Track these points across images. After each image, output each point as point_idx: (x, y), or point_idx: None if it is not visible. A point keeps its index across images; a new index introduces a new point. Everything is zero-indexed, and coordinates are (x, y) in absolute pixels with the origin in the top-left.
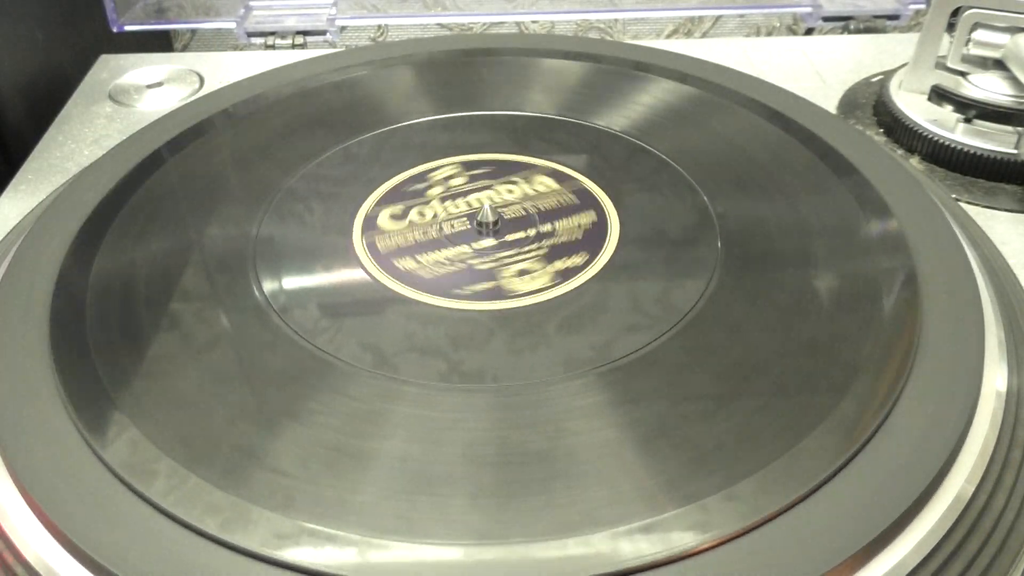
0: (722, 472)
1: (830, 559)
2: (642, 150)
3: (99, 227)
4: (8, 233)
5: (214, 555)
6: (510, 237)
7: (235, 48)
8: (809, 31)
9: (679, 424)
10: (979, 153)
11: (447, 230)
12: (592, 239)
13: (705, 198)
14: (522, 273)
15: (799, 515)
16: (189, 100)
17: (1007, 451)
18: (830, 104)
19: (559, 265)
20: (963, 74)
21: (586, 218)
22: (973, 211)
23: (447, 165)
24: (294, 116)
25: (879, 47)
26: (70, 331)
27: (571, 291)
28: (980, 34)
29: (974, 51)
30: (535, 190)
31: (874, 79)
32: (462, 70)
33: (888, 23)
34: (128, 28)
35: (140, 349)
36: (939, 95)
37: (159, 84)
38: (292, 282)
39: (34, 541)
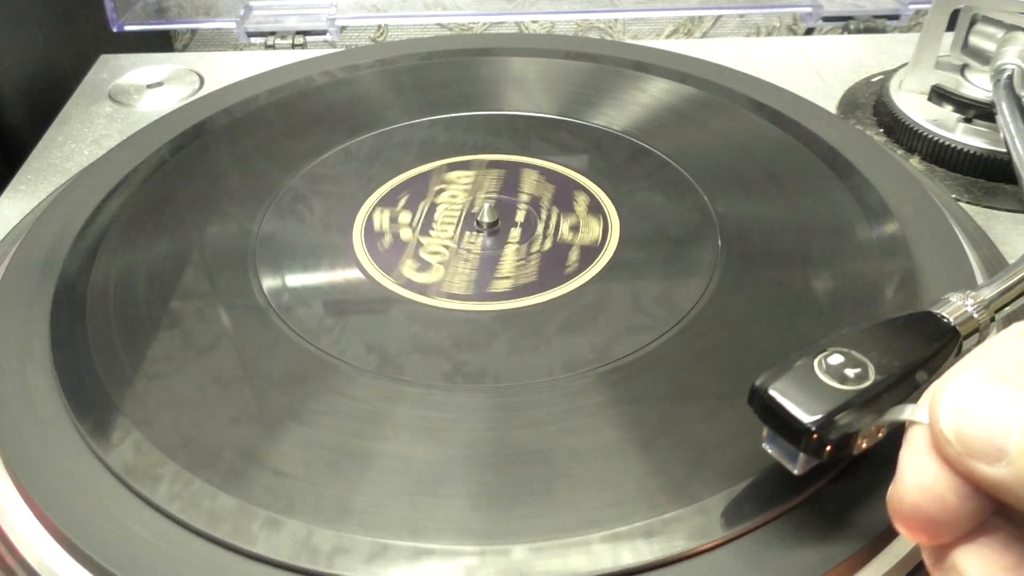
0: (723, 472)
1: (831, 559)
2: (642, 150)
3: (99, 227)
4: (8, 233)
5: (215, 557)
6: (510, 236)
7: (235, 48)
8: (809, 31)
9: (680, 424)
10: (979, 153)
11: (447, 229)
12: (593, 239)
13: (706, 198)
14: (522, 272)
15: (799, 515)
16: (189, 100)
17: None
18: (830, 104)
19: (561, 264)
20: (963, 70)
21: (587, 218)
22: (973, 211)
23: (451, 164)
24: (294, 116)
25: (879, 47)
26: (70, 332)
27: (572, 291)
28: (980, 28)
29: (972, 40)
30: (538, 191)
31: (874, 79)
32: (462, 70)
33: (888, 23)
34: (128, 28)
35: (141, 350)
36: (939, 95)
37: (159, 84)
38: (293, 282)
39: (34, 542)
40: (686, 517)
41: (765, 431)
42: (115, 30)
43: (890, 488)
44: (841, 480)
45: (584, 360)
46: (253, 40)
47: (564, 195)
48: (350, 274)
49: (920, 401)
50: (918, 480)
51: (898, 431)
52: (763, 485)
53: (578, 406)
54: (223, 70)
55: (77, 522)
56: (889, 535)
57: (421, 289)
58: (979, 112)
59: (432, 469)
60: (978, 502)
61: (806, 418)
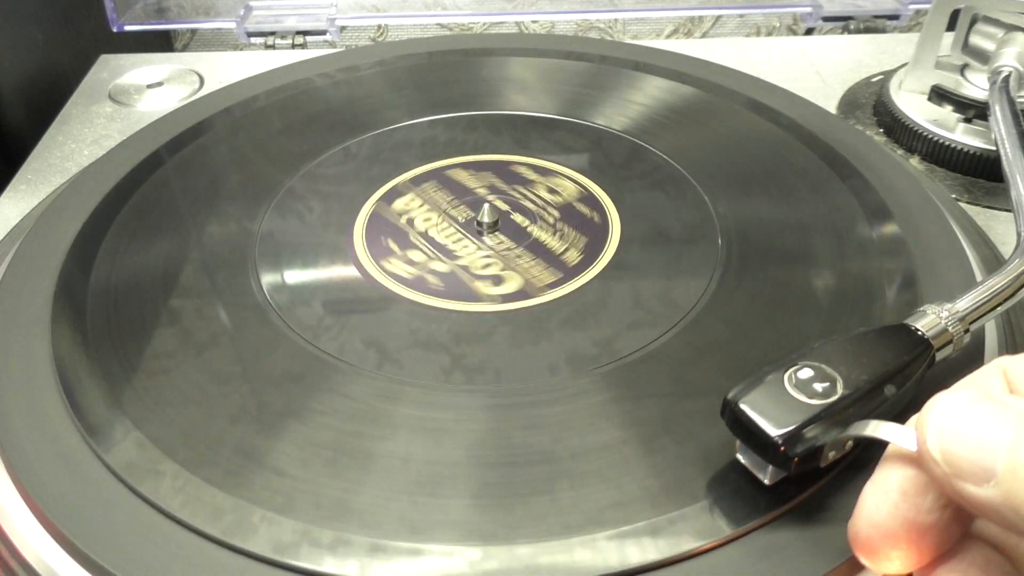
0: (725, 471)
1: (833, 558)
2: (643, 150)
3: (99, 227)
4: (8, 233)
5: (215, 556)
6: (509, 237)
7: (235, 48)
8: (809, 31)
9: (682, 423)
10: (979, 153)
11: (447, 228)
12: (593, 238)
13: (706, 198)
14: (516, 273)
15: (802, 514)
16: (189, 100)
17: None
18: (830, 104)
19: (560, 263)
20: (963, 70)
21: (588, 217)
22: (973, 211)
23: (449, 165)
24: (294, 116)
25: (879, 47)
26: (70, 331)
27: (573, 291)
28: (980, 28)
29: (972, 40)
30: (538, 191)
31: (874, 79)
32: (462, 70)
33: (888, 23)
34: (128, 28)
35: (141, 349)
36: (939, 95)
37: (159, 84)
38: (293, 281)
39: (34, 542)
40: (689, 516)
41: (738, 442)
42: (115, 30)
43: (850, 520)
44: (841, 480)
45: (586, 359)
46: (253, 40)
47: (563, 193)
48: (350, 273)
49: (916, 422)
50: (872, 515)
51: (875, 445)
52: (764, 485)
53: (580, 405)
54: (223, 70)
55: (77, 521)
56: None
57: (421, 288)
58: (979, 112)
59: (432, 468)
60: (931, 539)
61: (774, 432)
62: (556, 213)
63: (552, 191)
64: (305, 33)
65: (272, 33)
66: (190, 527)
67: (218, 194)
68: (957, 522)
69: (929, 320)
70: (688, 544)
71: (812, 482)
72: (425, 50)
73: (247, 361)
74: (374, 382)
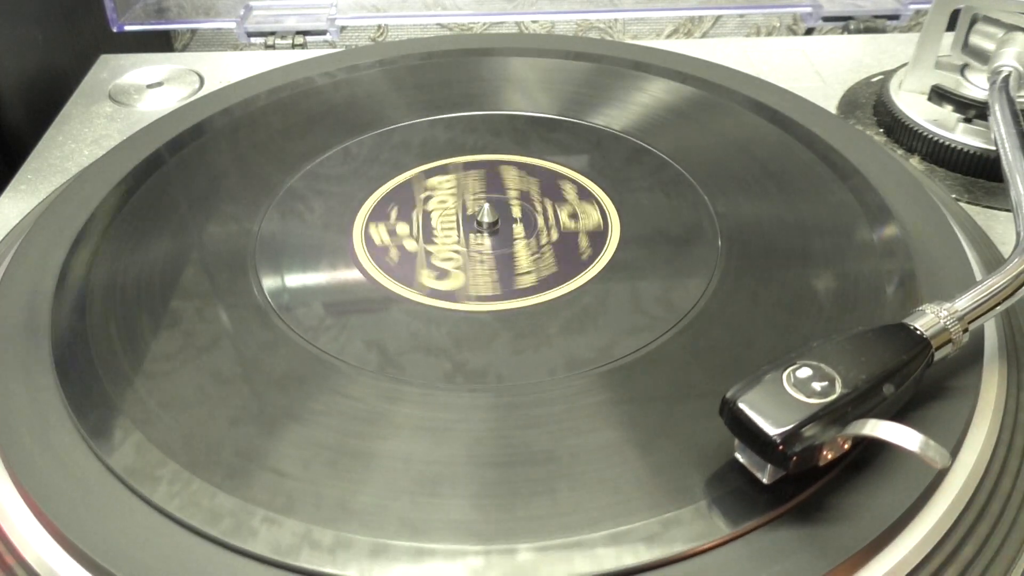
0: (724, 471)
1: (831, 559)
2: (643, 150)
3: (99, 227)
4: (8, 233)
5: (216, 557)
6: (508, 236)
7: (235, 48)
8: (809, 31)
9: (681, 423)
10: (979, 153)
11: (448, 229)
12: (593, 239)
13: (706, 198)
14: (520, 273)
15: (800, 515)
16: (189, 100)
17: (1007, 450)
18: (830, 104)
19: (560, 264)
20: (963, 70)
21: (587, 218)
22: (973, 211)
23: (451, 165)
24: (294, 116)
25: (879, 47)
26: (71, 332)
27: (573, 291)
28: (980, 28)
29: (972, 40)
30: (540, 191)
31: (874, 79)
32: (462, 70)
33: (888, 23)
34: (128, 28)
35: (141, 350)
36: (939, 95)
37: (159, 84)
38: (293, 283)
39: (34, 542)
40: (687, 516)
41: (736, 441)
42: (115, 30)
43: None
44: (841, 480)
45: (585, 360)
46: (253, 40)
47: (563, 193)
48: (350, 274)
49: None
50: None
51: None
52: (763, 485)
53: (580, 406)
54: (223, 70)
55: (77, 522)
56: (890, 535)
57: (421, 288)
58: (979, 112)
59: (433, 469)
60: None
61: (772, 431)
62: (555, 213)
63: (552, 191)
64: (305, 33)
65: (272, 33)
66: (191, 528)
67: (218, 194)
68: None
69: (928, 319)
70: (687, 544)
71: (811, 482)
72: (425, 50)
73: (247, 362)
74: (375, 383)
